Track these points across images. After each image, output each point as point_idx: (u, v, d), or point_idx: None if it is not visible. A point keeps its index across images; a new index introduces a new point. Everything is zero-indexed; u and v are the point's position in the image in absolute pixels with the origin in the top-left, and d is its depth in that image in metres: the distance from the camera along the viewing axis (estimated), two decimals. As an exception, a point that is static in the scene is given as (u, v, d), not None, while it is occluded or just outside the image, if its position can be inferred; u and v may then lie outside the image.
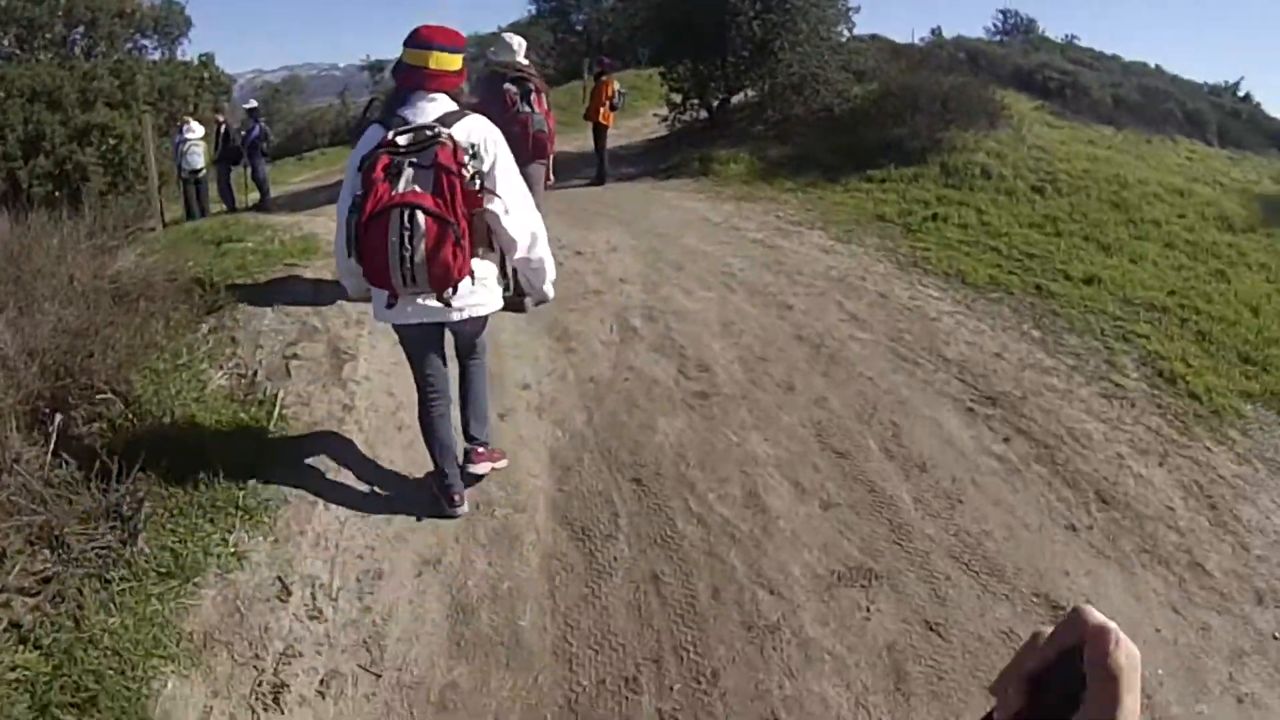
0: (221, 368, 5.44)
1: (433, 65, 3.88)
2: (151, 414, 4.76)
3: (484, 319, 4.27)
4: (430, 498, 4.50)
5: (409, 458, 4.86)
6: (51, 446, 4.33)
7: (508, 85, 6.51)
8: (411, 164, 3.70)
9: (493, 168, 3.91)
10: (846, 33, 17.42)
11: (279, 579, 3.92)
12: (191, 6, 26.42)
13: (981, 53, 26.25)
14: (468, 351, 4.50)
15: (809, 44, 15.70)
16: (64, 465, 4.22)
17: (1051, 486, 5.13)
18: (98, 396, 4.83)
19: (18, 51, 22.72)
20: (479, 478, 4.66)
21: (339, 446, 4.85)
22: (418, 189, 3.67)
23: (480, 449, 4.64)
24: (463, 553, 4.22)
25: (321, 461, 4.70)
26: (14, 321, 5.05)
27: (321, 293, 6.49)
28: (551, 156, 7.09)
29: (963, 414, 5.76)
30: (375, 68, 47.96)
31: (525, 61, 6.81)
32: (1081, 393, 6.31)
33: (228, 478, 4.33)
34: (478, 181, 3.82)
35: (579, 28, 36.71)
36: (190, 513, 4.10)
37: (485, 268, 4.04)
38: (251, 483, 4.37)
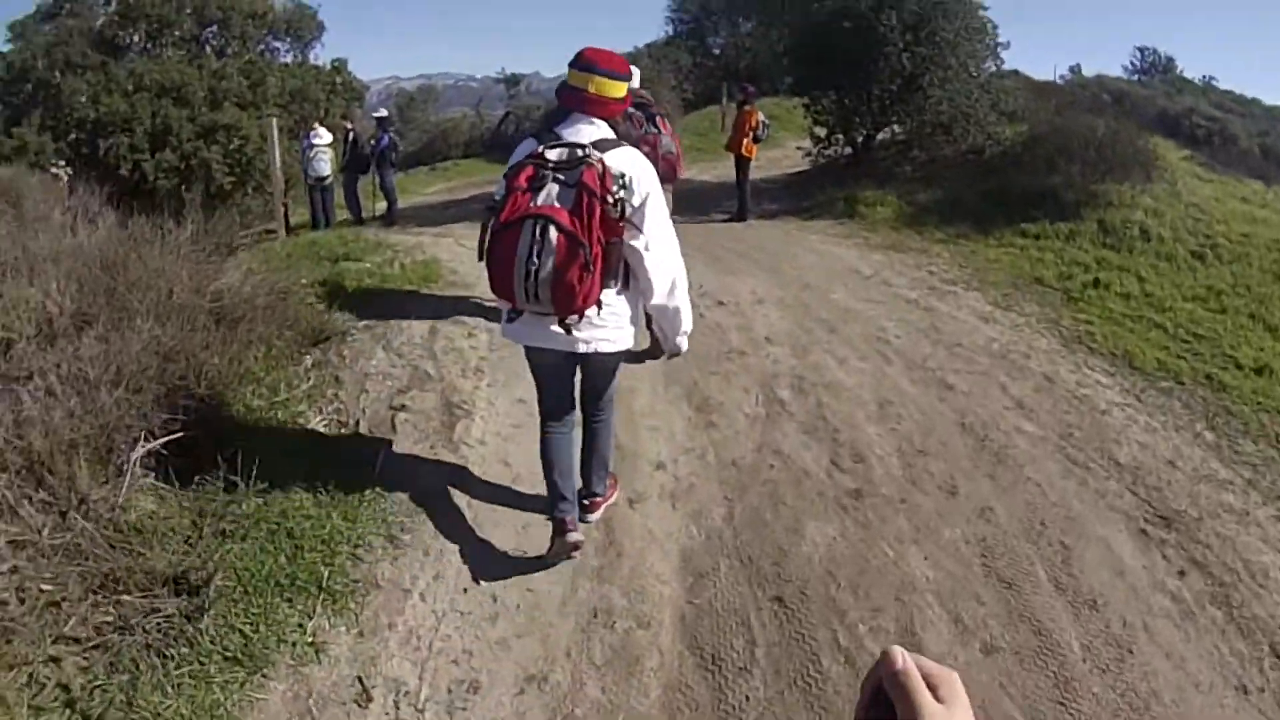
0: (321, 412, 5.03)
1: (593, 90, 3.74)
2: (237, 460, 4.27)
3: (613, 360, 4.08)
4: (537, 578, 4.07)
5: (521, 543, 4.31)
6: (125, 486, 3.90)
7: (631, 109, 6.20)
8: (557, 180, 3.58)
9: (643, 205, 3.71)
10: (994, 67, 16.49)
11: (359, 680, 3.43)
12: (336, 11, 26.73)
13: (1126, 94, 25.28)
14: (594, 400, 4.25)
15: (958, 80, 14.95)
16: (134, 510, 3.81)
17: (1225, 636, 4.34)
18: (182, 433, 4.36)
19: (148, 47, 23.18)
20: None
21: (443, 524, 4.33)
22: (557, 205, 3.53)
23: (597, 498, 4.50)
24: (574, 671, 3.62)
25: (421, 541, 4.18)
26: (103, 337, 4.62)
27: (438, 331, 6.01)
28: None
29: (1136, 537, 4.99)
30: (511, 81, 48.56)
31: (644, 90, 6.67)
32: (1259, 515, 5.48)
33: (313, 550, 3.89)
34: (620, 209, 3.59)
35: (716, 51, 36.24)
36: (266, 590, 3.64)
37: (618, 303, 3.84)
38: (339, 560, 3.89)
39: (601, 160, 3.59)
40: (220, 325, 5.37)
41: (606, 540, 4.41)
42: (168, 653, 3.25)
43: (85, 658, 3.22)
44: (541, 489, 4.46)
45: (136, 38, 23.15)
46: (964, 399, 6.40)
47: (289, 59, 25.79)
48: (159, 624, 3.37)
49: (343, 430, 4.91)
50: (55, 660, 3.16)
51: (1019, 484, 5.29)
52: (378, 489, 4.43)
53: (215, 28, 24.12)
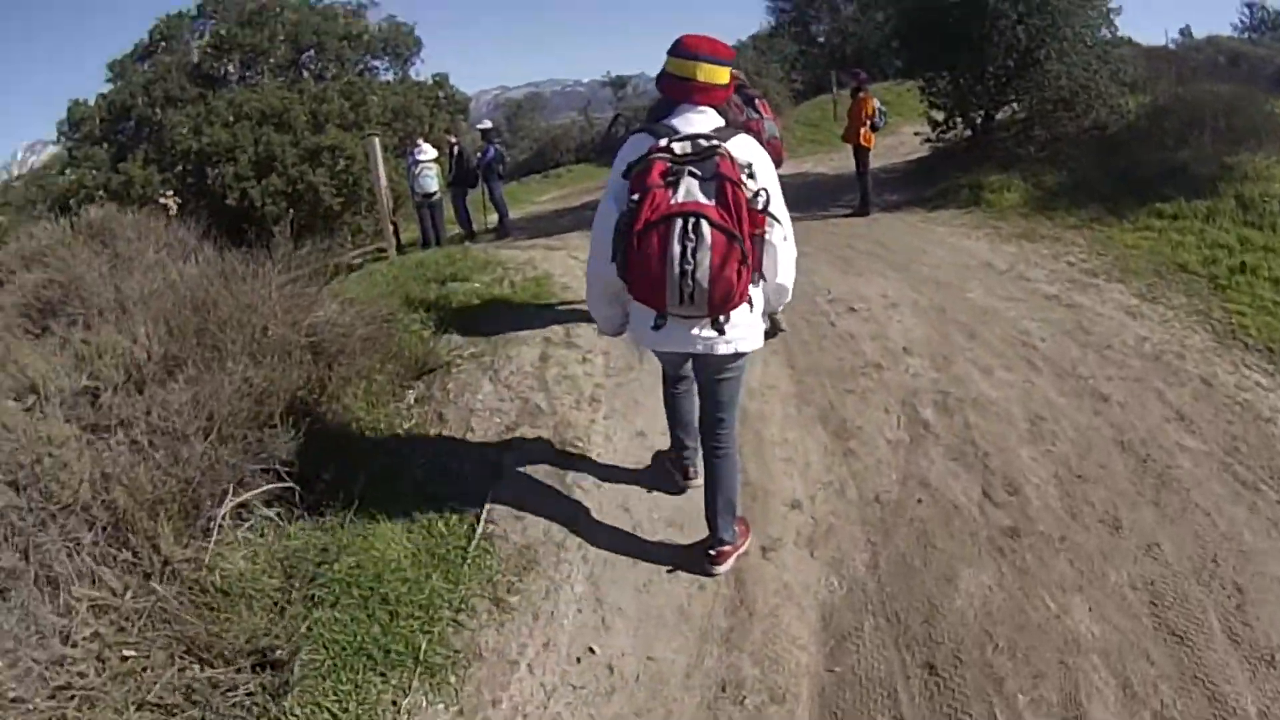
0: (423, 455, 4.78)
1: (701, 78, 3.59)
2: (331, 513, 3.99)
3: (742, 365, 3.86)
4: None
5: (642, 605, 3.89)
6: (212, 542, 3.67)
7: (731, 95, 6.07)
8: (692, 174, 3.39)
9: (771, 195, 3.53)
10: (1109, 35, 15.30)
11: (458, 767, 3.06)
12: (445, 26, 27.42)
13: (1242, 55, 24.07)
14: (715, 421, 3.96)
15: (1075, 51, 14.08)
16: (219, 571, 3.61)
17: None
18: (274, 483, 4.10)
19: (245, 76, 23.75)
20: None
21: (554, 583, 3.96)
22: (702, 199, 3.34)
23: (725, 547, 4.08)
24: (699, 755, 3.20)
25: (530, 603, 3.82)
26: (193, 380, 4.40)
27: (549, 358, 5.84)
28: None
29: (1313, 576, 4.37)
30: (617, 84, 49.48)
31: (739, 73, 6.38)
32: None
33: (410, 617, 3.57)
34: (760, 200, 3.46)
35: (820, 39, 35.97)
36: (357, 664, 3.33)
37: (755, 295, 3.64)
38: (439, 627, 3.56)
39: (728, 150, 3.41)
40: (318, 361, 5.16)
41: (737, 597, 3.96)
42: (252, 737, 2.99)
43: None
44: (665, 537, 4.30)
45: (232, 68, 23.83)
46: (1120, 412, 5.79)
47: (389, 77, 26.21)
48: (241, 701, 3.13)
49: (446, 476, 4.60)
50: (139, 745, 2.90)
51: (1186, 512, 4.70)
52: (483, 543, 4.10)
53: (311, 52, 24.59)
